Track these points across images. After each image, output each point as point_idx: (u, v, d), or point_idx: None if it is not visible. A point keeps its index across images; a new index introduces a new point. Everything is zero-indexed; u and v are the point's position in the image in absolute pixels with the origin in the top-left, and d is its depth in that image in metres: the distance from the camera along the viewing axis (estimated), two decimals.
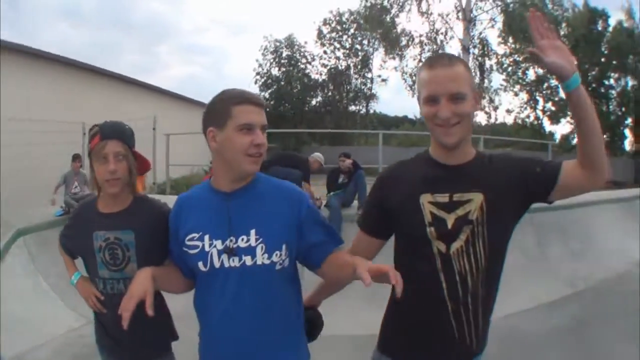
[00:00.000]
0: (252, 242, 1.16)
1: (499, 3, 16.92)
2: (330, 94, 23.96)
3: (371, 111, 27.04)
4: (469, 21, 16.82)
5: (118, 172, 1.37)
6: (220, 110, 1.17)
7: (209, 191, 1.26)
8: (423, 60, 19.38)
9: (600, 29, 23.61)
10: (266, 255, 1.16)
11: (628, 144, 25.46)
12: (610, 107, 24.49)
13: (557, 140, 27.25)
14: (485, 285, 1.17)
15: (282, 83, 22.76)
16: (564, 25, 19.64)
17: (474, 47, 18.38)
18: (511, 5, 17.58)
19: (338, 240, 1.28)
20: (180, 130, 9.13)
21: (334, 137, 22.32)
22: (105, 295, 1.45)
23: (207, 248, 1.18)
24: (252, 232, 1.17)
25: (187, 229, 1.23)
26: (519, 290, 3.98)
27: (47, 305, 3.85)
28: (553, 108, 25.00)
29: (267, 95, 22.80)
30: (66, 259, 1.60)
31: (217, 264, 1.17)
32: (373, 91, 26.36)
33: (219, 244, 1.18)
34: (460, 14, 17.44)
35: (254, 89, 23.62)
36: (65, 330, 3.50)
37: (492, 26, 17.51)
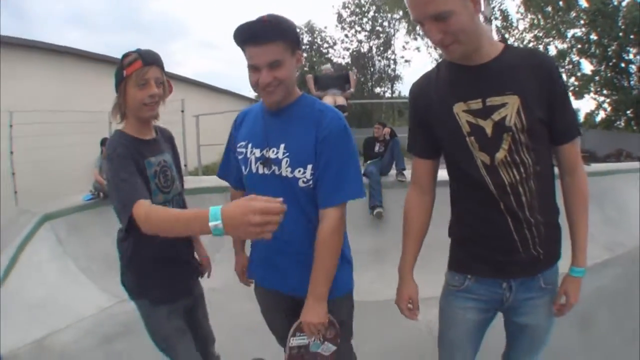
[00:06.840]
0: (280, 155, 1.29)
1: None
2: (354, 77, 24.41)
3: (396, 93, 26.82)
4: None
5: (157, 96, 1.41)
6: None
7: (259, 109, 1.41)
8: None
9: (615, 3, 22.57)
10: (289, 169, 1.28)
11: None
12: (632, 82, 23.58)
13: (581, 118, 26.63)
14: (539, 193, 1.13)
15: (306, 69, 22.42)
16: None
17: (496, 19, 17.86)
18: None
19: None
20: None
21: (360, 119, 21.97)
22: None
23: (248, 155, 1.36)
24: (282, 146, 1.29)
25: (239, 138, 1.42)
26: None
27: (75, 287, 3.70)
28: (576, 83, 24.06)
29: None
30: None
31: (254, 170, 1.34)
32: (397, 72, 26.33)
33: (257, 152, 1.33)
34: None
35: None
36: (96, 310, 3.40)
37: None
